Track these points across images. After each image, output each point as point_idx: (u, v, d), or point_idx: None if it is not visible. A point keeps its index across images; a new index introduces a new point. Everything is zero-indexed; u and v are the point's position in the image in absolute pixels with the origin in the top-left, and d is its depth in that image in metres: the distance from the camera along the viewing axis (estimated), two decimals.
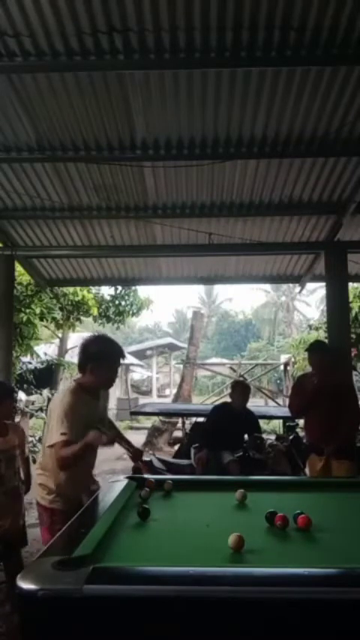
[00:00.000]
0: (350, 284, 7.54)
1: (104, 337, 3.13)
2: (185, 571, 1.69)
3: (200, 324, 16.81)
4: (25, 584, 1.62)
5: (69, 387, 2.96)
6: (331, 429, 4.23)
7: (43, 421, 13.53)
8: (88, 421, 2.85)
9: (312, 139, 4.91)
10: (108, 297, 12.29)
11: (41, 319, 9.79)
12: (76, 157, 5.17)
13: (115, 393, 24.04)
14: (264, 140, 4.94)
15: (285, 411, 8.72)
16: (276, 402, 16.03)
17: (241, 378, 14.33)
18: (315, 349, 4.74)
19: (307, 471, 5.10)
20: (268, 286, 38.35)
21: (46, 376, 13.08)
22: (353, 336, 8.96)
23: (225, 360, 28.14)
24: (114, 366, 3.02)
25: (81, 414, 2.83)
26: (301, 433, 5.73)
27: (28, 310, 9.14)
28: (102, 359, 2.96)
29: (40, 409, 13.89)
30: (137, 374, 30.55)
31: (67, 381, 19.61)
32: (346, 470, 4.17)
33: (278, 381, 24.67)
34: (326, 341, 6.44)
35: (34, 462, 8.38)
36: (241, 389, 5.33)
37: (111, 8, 3.50)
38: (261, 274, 8.20)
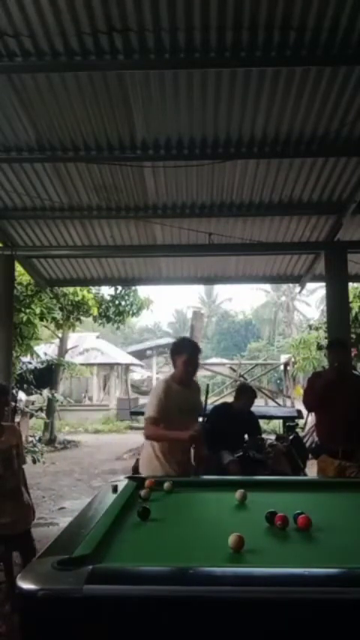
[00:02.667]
0: (350, 284, 7.54)
1: (182, 338, 4.05)
2: (185, 571, 1.69)
3: (200, 324, 16.81)
4: (25, 584, 1.62)
5: (164, 377, 3.68)
6: (348, 429, 4.14)
7: (43, 421, 13.58)
8: (179, 405, 3.47)
9: (312, 139, 4.91)
10: (108, 297, 12.29)
11: (41, 319, 9.79)
12: (76, 157, 5.17)
13: (115, 393, 24.08)
14: (264, 140, 4.94)
15: (285, 411, 8.75)
16: (276, 402, 16.00)
17: (242, 379, 14.32)
18: (337, 346, 4.60)
19: (307, 471, 5.09)
20: (268, 286, 38.35)
21: (46, 376, 13.07)
22: (353, 336, 8.96)
23: (225, 360, 28.13)
24: (188, 360, 3.58)
25: (171, 399, 3.47)
26: (301, 433, 5.72)
27: (28, 310, 9.13)
28: (177, 354, 3.61)
29: (40, 409, 13.91)
30: (137, 374, 30.55)
31: (67, 380, 19.65)
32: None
33: (278, 381, 24.66)
34: (326, 341, 6.43)
35: (35, 462, 8.42)
36: (250, 395, 5.30)
37: (111, 8, 3.50)
38: (261, 274, 8.20)
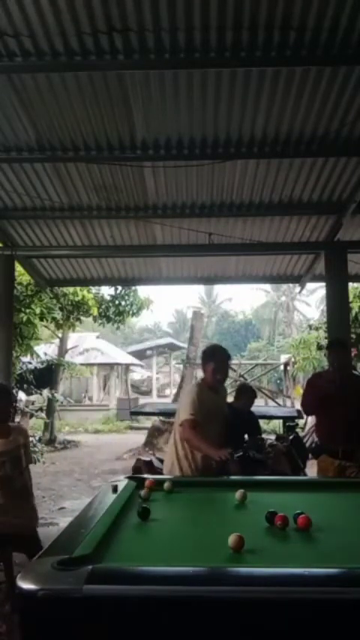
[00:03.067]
0: (350, 284, 7.54)
1: (212, 345, 4.11)
2: (185, 571, 1.69)
3: (200, 324, 16.80)
4: (25, 584, 1.62)
5: (196, 381, 3.79)
6: (348, 429, 4.13)
7: (43, 421, 13.58)
8: (209, 409, 3.59)
9: (312, 139, 4.91)
10: (108, 297, 12.29)
11: (41, 319, 9.79)
12: (76, 157, 5.17)
13: (115, 393, 24.09)
14: (264, 140, 4.94)
15: (285, 411, 8.75)
16: (276, 402, 16.02)
17: (242, 379, 14.32)
18: (337, 346, 4.58)
19: (307, 471, 5.09)
20: (268, 286, 38.34)
21: (46, 376, 13.07)
22: (353, 336, 8.96)
23: None
24: (217, 368, 3.70)
25: (203, 403, 3.58)
26: (301, 433, 5.71)
27: (28, 310, 9.13)
28: (207, 362, 3.75)
29: (40, 409, 13.91)
30: (137, 374, 30.55)
31: (67, 380, 19.65)
32: None
33: (278, 381, 24.66)
34: (326, 341, 6.43)
35: (35, 462, 8.41)
36: (250, 395, 5.29)
37: (111, 8, 3.50)
38: (261, 274, 8.20)
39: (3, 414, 3.52)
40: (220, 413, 3.80)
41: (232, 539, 1.95)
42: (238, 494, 2.69)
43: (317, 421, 4.66)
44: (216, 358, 3.74)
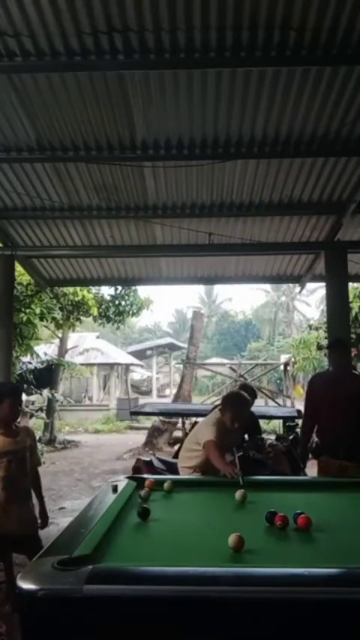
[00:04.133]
0: (350, 284, 7.54)
1: (232, 394, 4.27)
2: (185, 571, 1.69)
3: (200, 324, 16.79)
4: (25, 584, 1.62)
5: (218, 416, 3.85)
6: (348, 429, 4.13)
7: (43, 421, 13.58)
8: (224, 443, 3.69)
9: (312, 139, 4.91)
10: (108, 297, 12.30)
11: (41, 319, 9.79)
12: (76, 157, 5.17)
13: (115, 393, 24.09)
14: (264, 140, 4.94)
15: (285, 411, 8.73)
16: (276, 402, 16.00)
17: (242, 379, 14.32)
18: (338, 346, 4.58)
19: (307, 471, 5.08)
20: (268, 286, 38.32)
21: (46, 376, 13.08)
22: (353, 336, 8.96)
23: (225, 360, 28.10)
24: (234, 418, 3.75)
25: (221, 439, 3.67)
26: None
27: (28, 310, 9.14)
28: (225, 409, 3.83)
29: (40, 409, 13.91)
30: (137, 374, 30.55)
31: (67, 380, 19.64)
32: None
33: (278, 381, 24.65)
34: (326, 341, 6.43)
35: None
36: (252, 397, 5.27)
37: (111, 8, 3.50)
38: (261, 274, 8.20)
39: (12, 414, 3.51)
40: (232, 446, 3.88)
41: (232, 539, 1.95)
42: (238, 494, 2.69)
43: (318, 421, 4.66)
44: (233, 408, 3.81)
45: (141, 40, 3.75)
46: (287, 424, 6.93)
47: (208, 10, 3.51)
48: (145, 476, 3.33)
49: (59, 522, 5.72)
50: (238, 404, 3.92)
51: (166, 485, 2.93)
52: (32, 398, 14.08)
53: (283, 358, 20.30)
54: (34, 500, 3.65)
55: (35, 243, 7.01)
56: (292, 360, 16.86)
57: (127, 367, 25.65)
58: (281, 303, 42.21)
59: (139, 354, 27.94)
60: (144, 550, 2.08)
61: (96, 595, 1.57)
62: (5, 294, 6.91)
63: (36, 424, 13.95)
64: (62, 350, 14.25)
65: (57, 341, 14.61)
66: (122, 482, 2.94)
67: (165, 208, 6.21)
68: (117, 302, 12.28)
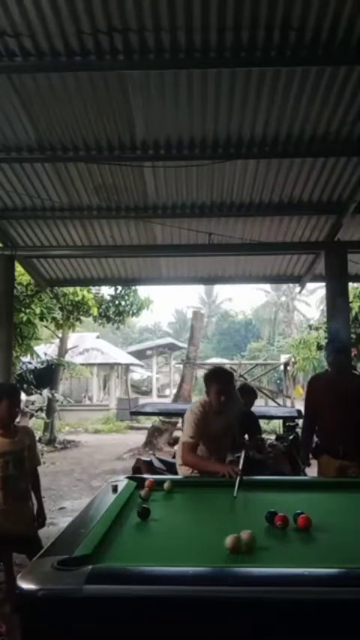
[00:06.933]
0: (350, 284, 7.53)
1: (215, 368, 4.08)
2: (185, 571, 1.69)
3: (200, 324, 16.81)
4: (26, 584, 1.62)
5: (200, 402, 3.75)
6: (348, 429, 4.11)
7: (43, 421, 13.59)
8: (215, 430, 3.63)
9: (312, 139, 4.90)
10: (108, 297, 12.30)
11: (41, 319, 9.79)
12: (76, 157, 5.17)
13: (115, 393, 24.09)
14: (264, 140, 4.94)
15: (285, 411, 8.73)
16: (276, 402, 16.01)
17: (242, 379, 14.32)
18: (336, 347, 4.57)
19: (307, 471, 5.08)
20: (268, 286, 38.37)
21: (46, 376, 13.09)
22: (353, 336, 8.96)
23: (225, 360, 28.12)
24: (220, 391, 3.64)
25: (207, 425, 3.61)
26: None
27: (28, 310, 9.14)
28: (209, 384, 3.72)
29: (40, 409, 13.92)
30: (137, 374, 30.56)
31: (67, 380, 19.65)
32: None
33: (278, 381, 24.67)
34: (326, 341, 6.43)
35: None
36: (250, 395, 5.27)
37: (111, 8, 3.50)
38: (261, 274, 8.19)
39: (10, 415, 3.51)
40: (226, 433, 3.79)
41: (228, 540, 1.94)
42: (230, 541, 1.97)
43: (318, 421, 4.66)
44: (219, 381, 3.70)
45: (141, 40, 3.74)
46: (287, 424, 6.93)
47: (208, 10, 3.51)
48: (145, 476, 3.33)
49: (59, 522, 5.73)
50: (221, 375, 3.81)
51: (166, 485, 2.93)
52: (32, 398, 14.08)
53: (283, 358, 20.31)
54: (34, 500, 3.65)
55: (35, 243, 7.01)
56: (292, 360, 16.86)
57: (127, 367, 25.66)
58: (281, 303, 42.23)
59: (139, 354, 27.96)
60: (144, 550, 2.08)
61: (96, 595, 1.57)
62: (5, 294, 6.90)
63: (36, 424, 13.96)
64: (62, 350, 14.27)
65: (57, 341, 14.62)
66: (122, 482, 2.94)
67: (165, 208, 6.21)
68: (117, 302, 12.29)
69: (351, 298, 8.92)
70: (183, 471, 3.80)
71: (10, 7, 3.47)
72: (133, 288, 12.03)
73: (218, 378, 3.73)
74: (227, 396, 3.67)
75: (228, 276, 8.18)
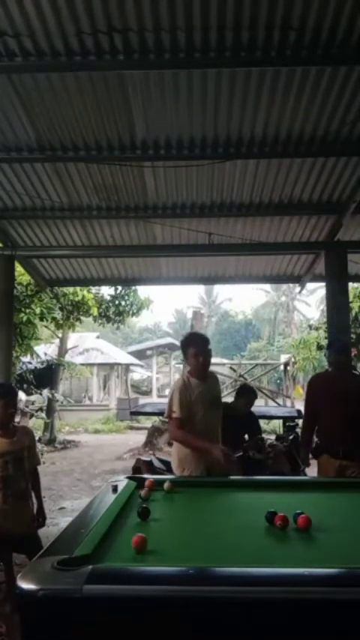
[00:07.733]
0: (350, 284, 7.53)
1: (189, 333, 4.14)
2: (185, 571, 1.69)
3: (200, 324, 16.82)
4: (25, 584, 1.62)
5: (181, 376, 3.73)
6: (348, 429, 4.10)
7: (43, 421, 13.59)
8: (201, 400, 3.55)
9: (312, 139, 4.91)
10: (108, 297, 12.30)
11: (41, 319, 9.80)
12: (76, 157, 5.17)
13: (115, 393, 24.09)
14: (264, 140, 4.94)
15: (285, 411, 8.74)
16: (276, 402, 16.00)
17: (242, 379, 14.32)
18: (337, 347, 4.55)
19: (307, 471, 5.09)
20: (268, 286, 38.33)
21: (46, 376, 13.09)
22: (353, 336, 8.96)
23: (225, 360, 28.10)
24: (198, 352, 3.63)
25: (192, 395, 3.54)
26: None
27: (28, 310, 9.14)
28: (187, 349, 3.72)
29: (40, 409, 13.92)
30: (137, 374, 30.55)
31: (67, 380, 19.64)
32: None
33: (278, 381, 24.65)
34: (326, 341, 6.43)
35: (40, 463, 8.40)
36: (250, 395, 5.26)
37: (111, 8, 3.50)
38: (261, 274, 8.20)
39: (7, 415, 3.51)
40: (214, 401, 3.72)
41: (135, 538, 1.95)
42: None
43: (318, 421, 4.66)
44: (196, 343, 3.70)
45: (141, 40, 3.75)
46: (287, 424, 6.93)
47: (208, 10, 3.51)
48: (145, 476, 3.33)
49: (59, 522, 5.73)
50: (195, 337, 3.86)
51: (166, 485, 2.93)
52: (32, 398, 14.09)
53: (283, 358, 20.31)
54: (34, 500, 3.65)
55: (35, 243, 7.01)
56: (292, 360, 16.87)
57: (127, 367, 25.65)
58: (281, 303, 42.21)
59: (139, 354, 27.94)
60: (144, 550, 2.07)
61: (96, 595, 1.57)
62: (5, 294, 6.90)
63: (36, 424, 13.96)
64: (62, 350, 14.26)
65: (57, 341, 14.62)
66: (122, 482, 2.94)
67: (165, 208, 6.21)
68: (117, 302, 12.28)
69: (351, 298, 8.93)
70: (176, 465, 3.70)
71: (10, 7, 3.48)
72: (133, 288, 12.03)
73: (194, 341, 3.75)
74: (205, 358, 3.65)
75: (228, 276, 8.18)
